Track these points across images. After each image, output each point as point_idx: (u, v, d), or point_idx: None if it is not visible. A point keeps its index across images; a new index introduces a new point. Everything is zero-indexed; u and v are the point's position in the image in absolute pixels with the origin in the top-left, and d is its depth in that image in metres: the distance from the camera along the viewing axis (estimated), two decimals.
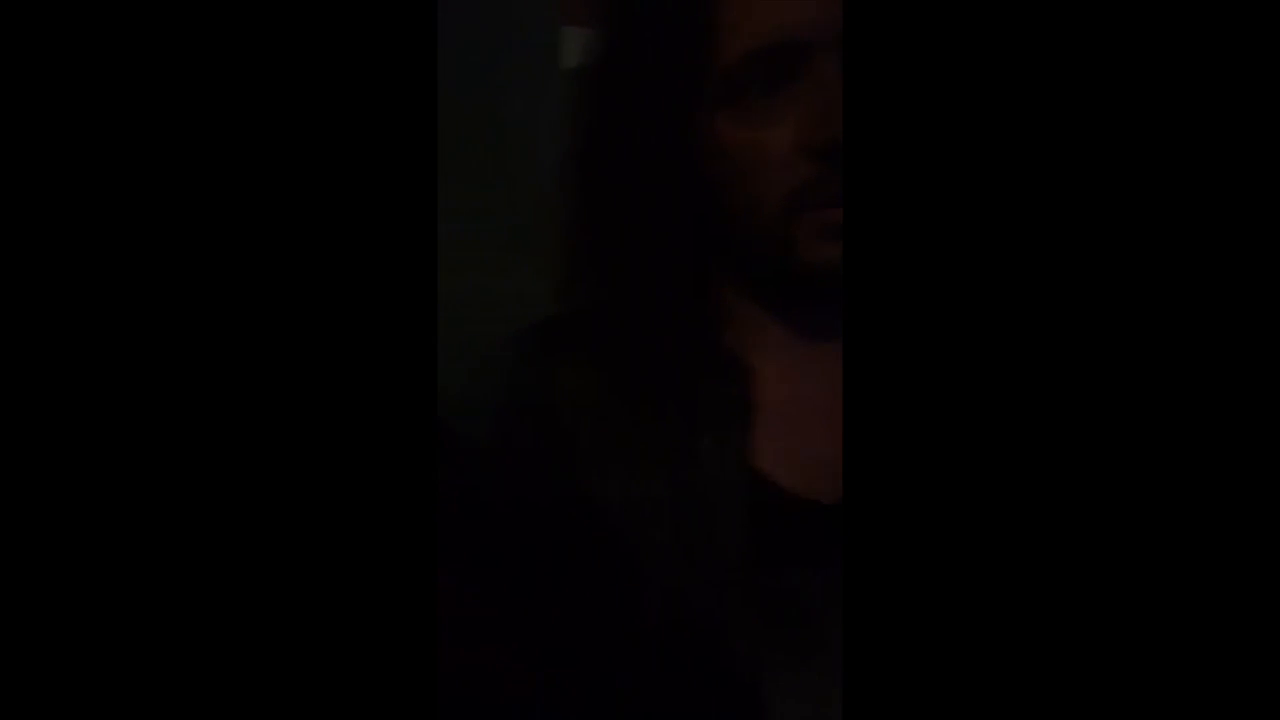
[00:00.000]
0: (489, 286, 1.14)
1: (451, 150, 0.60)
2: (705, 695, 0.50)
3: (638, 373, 0.53)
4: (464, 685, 0.42)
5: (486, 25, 1.29)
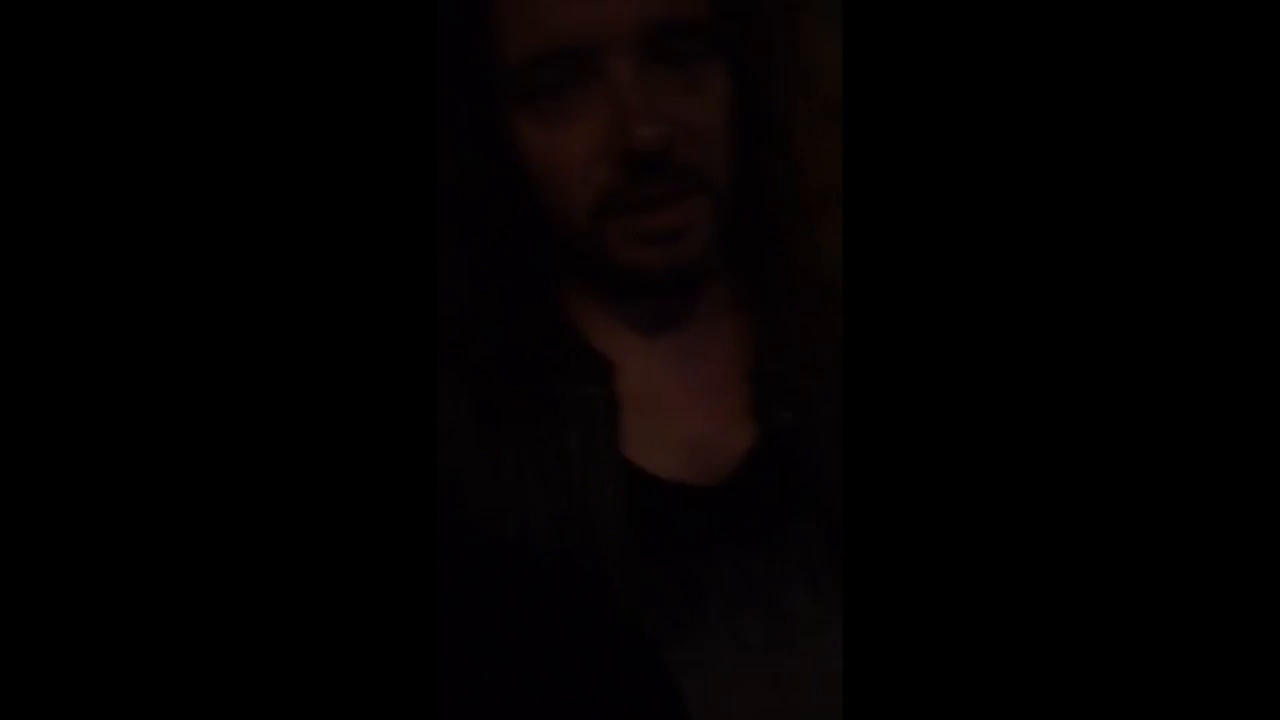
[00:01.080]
0: None
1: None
2: (610, 678, 0.50)
3: (501, 376, 0.53)
4: None
5: None
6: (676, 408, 0.55)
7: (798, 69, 0.54)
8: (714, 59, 0.51)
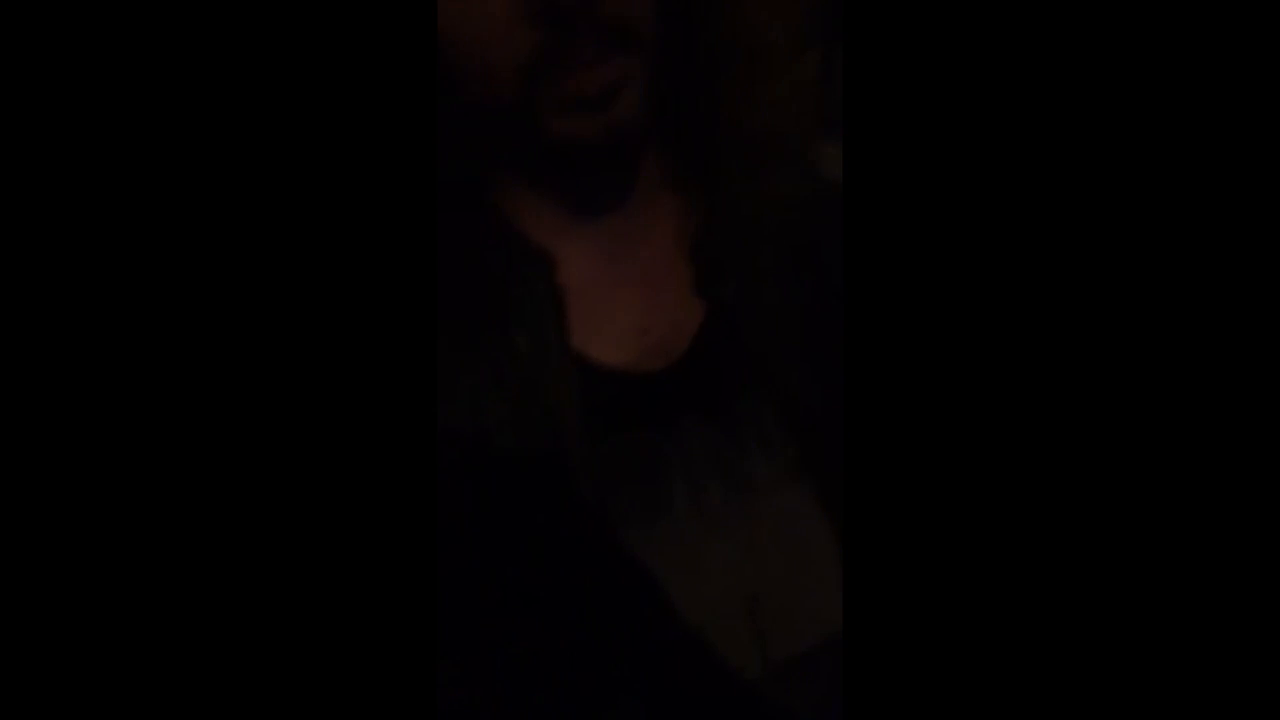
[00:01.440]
0: None
1: None
2: (577, 562, 0.51)
3: (444, 281, 0.50)
4: None
5: None
6: (622, 294, 0.54)
7: None
8: None
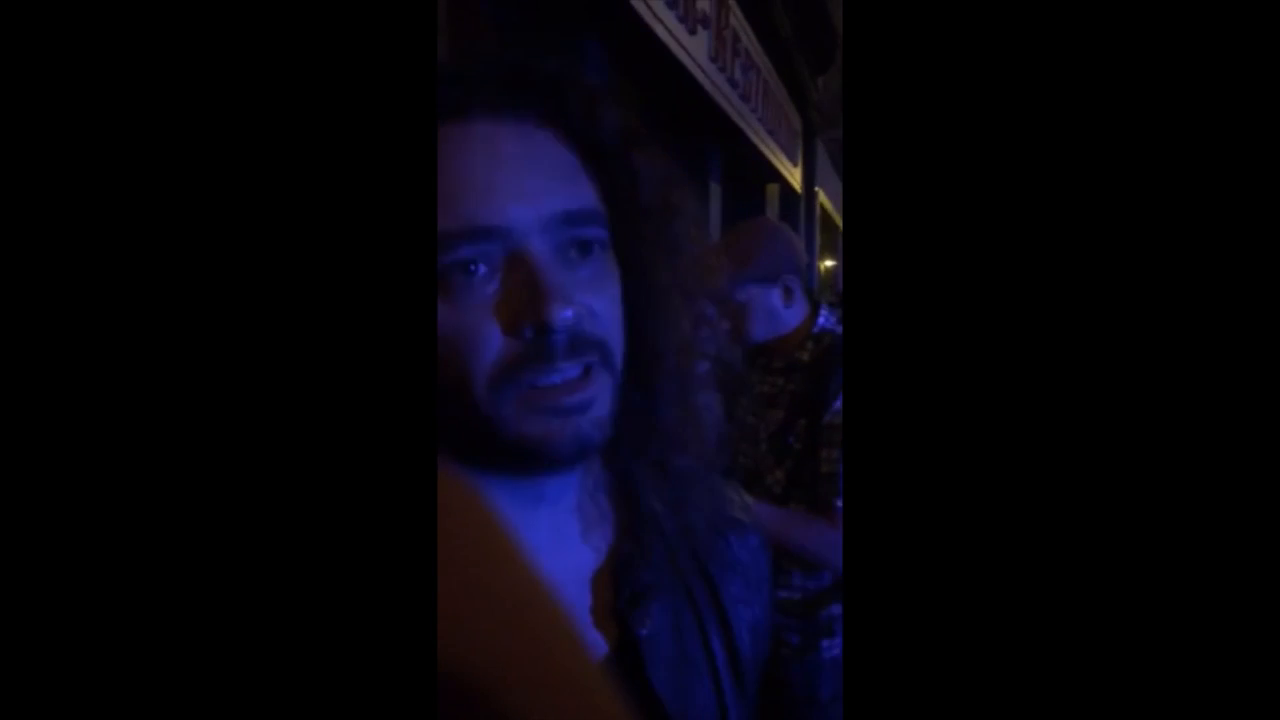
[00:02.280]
0: None
1: None
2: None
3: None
4: None
5: None
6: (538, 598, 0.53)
7: (671, 257, 0.57)
8: (609, 250, 0.54)
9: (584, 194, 0.53)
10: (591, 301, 0.52)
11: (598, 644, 0.54)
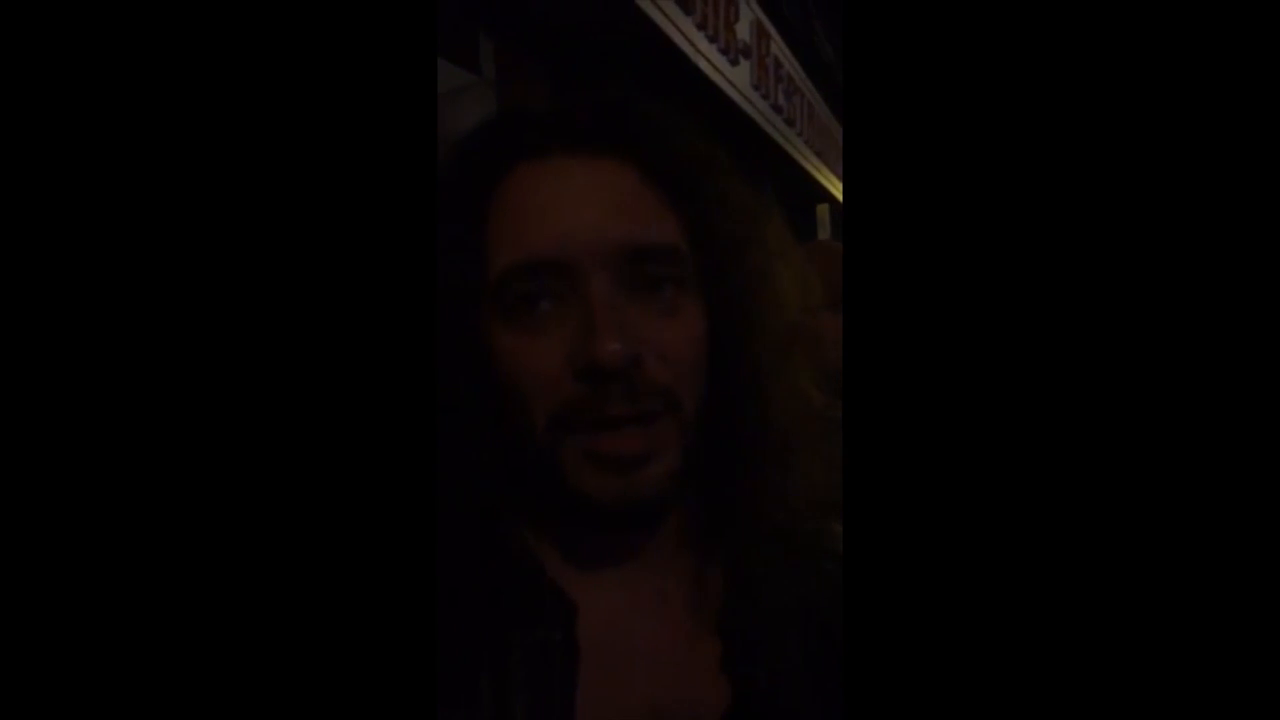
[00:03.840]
0: None
1: None
2: None
3: (455, 612, 0.47)
4: None
5: None
6: (636, 666, 0.50)
7: (766, 305, 0.52)
8: (689, 287, 0.50)
9: (659, 229, 0.49)
10: (662, 343, 0.47)
11: (711, 705, 0.50)
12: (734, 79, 4.15)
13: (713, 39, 3.82)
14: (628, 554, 0.52)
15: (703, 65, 3.70)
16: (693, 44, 3.59)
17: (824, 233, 6.80)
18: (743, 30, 4.26)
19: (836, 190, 6.85)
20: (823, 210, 7.07)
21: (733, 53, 4.08)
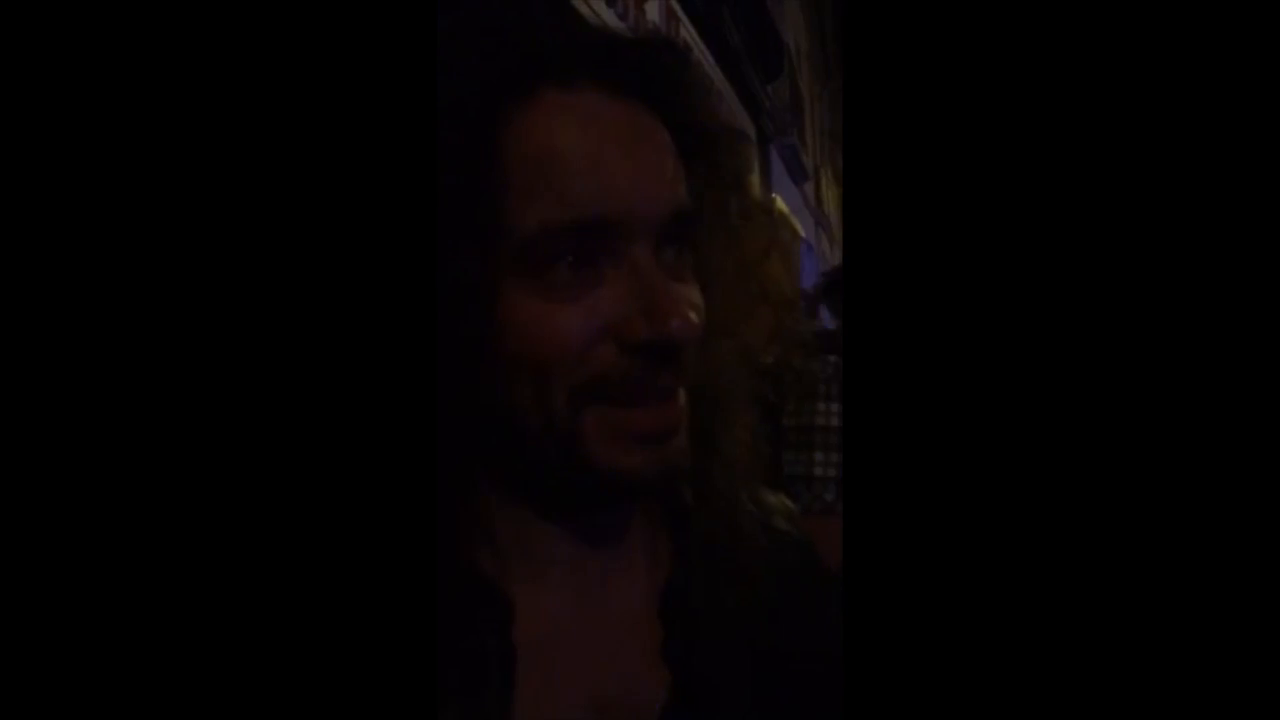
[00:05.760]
0: None
1: None
2: None
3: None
4: None
5: None
6: (580, 657, 0.48)
7: (738, 262, 0.51)
8: (689, 251, 0.48)
9: (684, 189, 0.46)
10: (692, 315, 0.44)
11: (649, 694, 0.48)
12: None
13: (622, 16, 3.76)
14: (602, 538, 0.50)
15: None
16: (601, 20, 3.52)
17: None
18: (652, 11, 4.22)
19: None
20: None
21: (640, 33, 4.04)
